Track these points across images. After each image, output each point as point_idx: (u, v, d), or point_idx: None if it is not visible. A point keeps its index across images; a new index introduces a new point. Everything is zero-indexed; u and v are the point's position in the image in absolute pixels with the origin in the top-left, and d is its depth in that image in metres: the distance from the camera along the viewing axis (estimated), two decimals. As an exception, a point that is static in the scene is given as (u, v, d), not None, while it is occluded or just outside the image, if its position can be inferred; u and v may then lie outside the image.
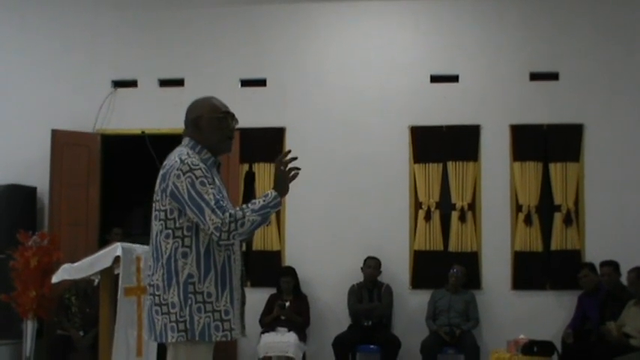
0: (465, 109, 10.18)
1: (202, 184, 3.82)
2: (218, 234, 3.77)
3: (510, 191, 10.01)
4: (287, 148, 10.17)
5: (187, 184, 3.81)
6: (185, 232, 3.86)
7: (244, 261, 4.14)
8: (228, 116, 4.12)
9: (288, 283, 9.85)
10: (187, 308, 3.81)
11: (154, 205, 3.94)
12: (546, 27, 10.22)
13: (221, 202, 3.81)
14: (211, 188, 3.83)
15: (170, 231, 3.87)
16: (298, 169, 4.14)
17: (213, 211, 3.77)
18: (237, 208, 3.84)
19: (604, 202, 9.86)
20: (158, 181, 3.94)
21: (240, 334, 4.01)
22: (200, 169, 3.86)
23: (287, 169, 4.10)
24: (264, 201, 3.91)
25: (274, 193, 3.98)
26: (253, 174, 10.31)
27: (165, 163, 3.97)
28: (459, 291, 9.72)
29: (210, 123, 4.05)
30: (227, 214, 3.78)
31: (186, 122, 4.11)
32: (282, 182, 4.06)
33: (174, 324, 3.81)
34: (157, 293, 3.87)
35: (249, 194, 10.11)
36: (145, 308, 4.01)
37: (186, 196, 3.80)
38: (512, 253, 9.94)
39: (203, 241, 3.87)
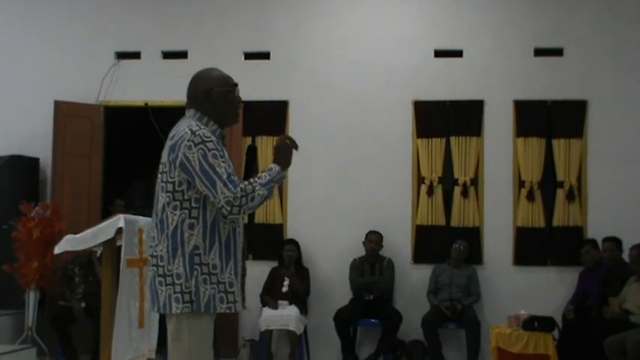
0: (469, 84, 10.16)
1: (214, 156, 3.79)
2: (229, 208, 3.77)
3: (513, 167, 10.00)
4: (290, 121, 10.22)
5: (199, 156, 3.78)
6: (193, 204, 3.84)
7: (246, 234, 4.14)
8: (236, 88, 4.12)
9: (292, 251, 9.84)
10: (193, 279, 3.80)
11: (160, 176, 3.92)
12: (551, 2, 10.17)
13: (232, 177, 3.80)
14: (222, 161, 3.81)
15: (178, 202, 3.84)
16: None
17: (225, 184, 3.76)
18: (247, 183, 3.83)
19: (607, 178, 9.86)
20: (166, 152, 3.91)
21: (241, 306, 4.01)
22: (212, 141, 3.83)
23: (291, 144, 4.11)
24: (269, 175, 3.91)
25: (278, 168, 3.97)
26: (255, 148, 10.30)
27: (172, 134, 3.93)
28: (461, 266, 9.74)
29: (222, 96, 4.03)
30: (239, 189, 3.77)
31: (194, 95, 4.06)
32: (286, 155, 4.05)
33: (179, 295, 3.80)
34: (160, 264, 3.85)
35: (250, 168, 10.11)
36: (147, 280, 3.98)
37: (197, 168, 3.78)
38: (514, 228, 9.95)
39: (210, 213, 3.85)
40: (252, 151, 9.99)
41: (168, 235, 3.84)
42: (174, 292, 3.81)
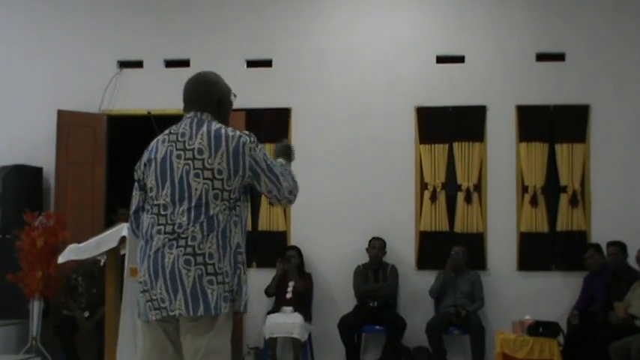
0: (471, 90, 10.16)
1: (268, 155, 3.97)
2: (292, 197, 4.01)
3: (516, 172, 9.99)
4: (293, 128, 10.23)
5: (263, 156, 3.91)
6: (237, 203, 3.88)
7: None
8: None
9: (293, 257, 9.85)
10: (236, 277, 3.81)
11: (209, 182, 3.80)
12: (552, 7, 10.18)
13: (279, 163, 4.07)
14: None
15: (230, 204, 3.84)
16: None
17: (282, 174, 3.96)
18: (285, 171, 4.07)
19: (610, 182, 9.85)
20: (223, 159, 3.82)
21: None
22: None
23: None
24: (288, 165, 4.18)
25: (286, 162, 4.19)
26: None
27: (217, 138, 3.85)
28: (464, 272, 9.73)
29: (229, 105, 4.13)
30: (292, 175, 4.04)
31: (205, 99, 4.06)
32: (288, 154, 4.28)
33: (227, 294, 3.77)
34: (209, 262, 3.75)
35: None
36: (184, 280, 3.77)
37: (264, 166, 3.89)
38: (518, 234, 9.94)
39: (244, 212, 3.93)
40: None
41: (219, 232, 3.79)
42: (225, 291, 3.77)
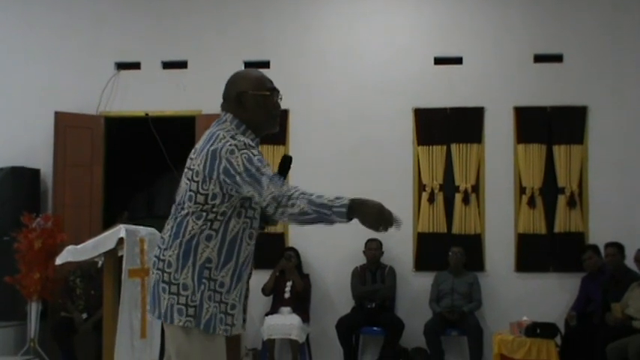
0: (469, 91, 10.16)
1: (260, 160, 3.57)
2: (275, 204, 3.51)
3: (514, 173, 9.99)
4: (291, 130, 10.21)
5: (243, 160, 3.54)
6: (218, 217, 3.62)
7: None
8: (274, 93, 3.90)
9: (292, 257, 9.85)
10: (199, 293, 3.59)
11: (188, 183, 3.65)
12: (550, 8, 10.19)
13: (278, 176, 3.59)
14: (267, 166, 3.59)
15: (204, 213, 3.61)
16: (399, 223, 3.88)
17: (271, 180, 3.52)
18: (300, 189, 3.56)
19: (608, 184, 9.85)
20: (200, 161, 3.62)
21: (240, 328, 3.79)
22: (255, 148, 3.64)
23: (388, 218, 3.97)
24: (329, 200, 3.65)
25: (346, 202, 3.71)
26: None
27: (207, 140, 3.68)
28: (462, 273, 9.73)
29: (255, 100, 3.81)
30: (285, 187, 3.53)
31: (228, 96, 3.83)
32: (368, 214, 3.91)
33: (182, 307, 3.58)
34: (167, 270, 3.62)
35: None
36: (149, 283, 3.75)
37: (241, 169, 3.53)
38: (516, 235, 9.94)
39: (232, 230, 3.65)
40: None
41: (183, 242, 3.62)
42: (178, 303, 3.59)
